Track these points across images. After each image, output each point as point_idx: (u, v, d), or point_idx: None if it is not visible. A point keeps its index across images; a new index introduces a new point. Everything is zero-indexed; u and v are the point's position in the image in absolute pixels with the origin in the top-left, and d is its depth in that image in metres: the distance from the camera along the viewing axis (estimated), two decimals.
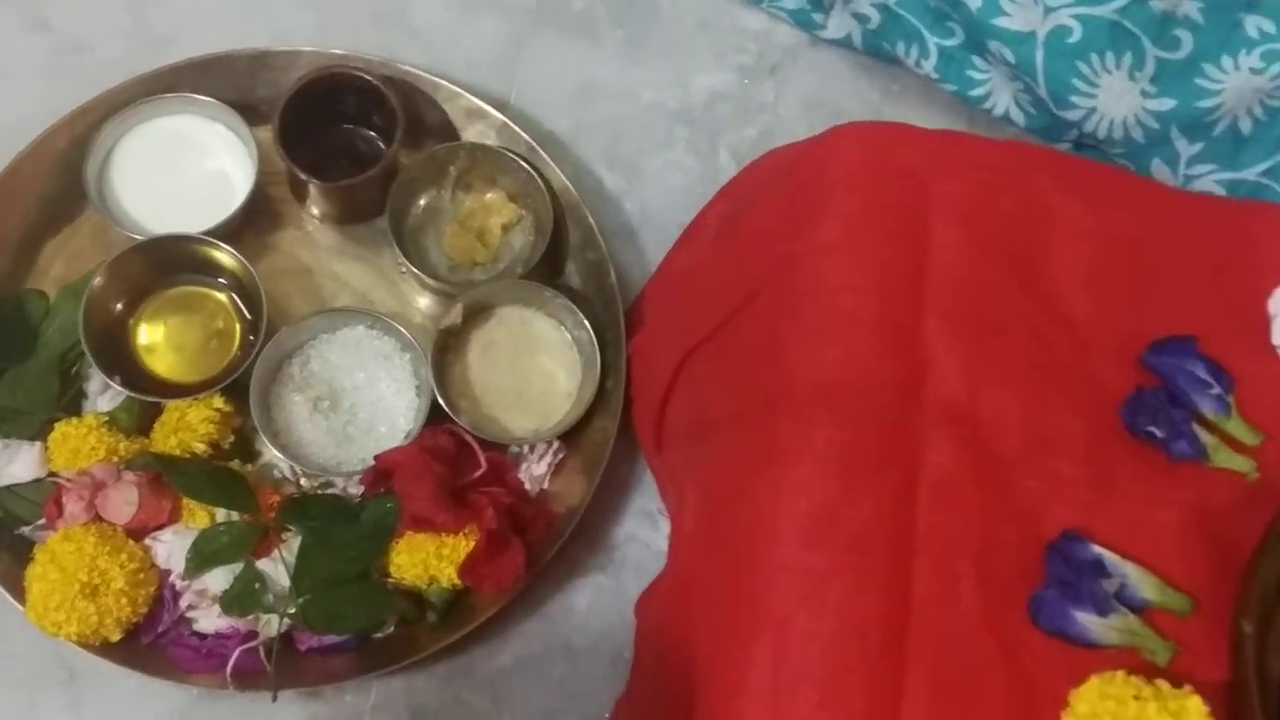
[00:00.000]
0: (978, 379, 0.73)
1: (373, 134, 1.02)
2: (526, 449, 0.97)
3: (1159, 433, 0.73)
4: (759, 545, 0.70)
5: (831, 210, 0.76)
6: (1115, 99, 1.00)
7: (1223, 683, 0.68)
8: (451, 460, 0.92)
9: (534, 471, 0.96)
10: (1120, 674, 0.67)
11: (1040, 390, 0.74)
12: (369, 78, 0.99)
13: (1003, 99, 1.07)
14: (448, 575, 0.88)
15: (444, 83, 1.03)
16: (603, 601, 0.97)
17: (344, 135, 1.03)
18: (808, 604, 0.67)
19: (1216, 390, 0.74)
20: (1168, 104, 1.00)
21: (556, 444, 0.97)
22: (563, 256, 1.03)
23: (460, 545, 0.88)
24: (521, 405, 0.99)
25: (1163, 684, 0.67)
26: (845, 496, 0.69)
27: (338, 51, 1.02)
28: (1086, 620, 0.68)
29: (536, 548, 0.93)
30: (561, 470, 0.98)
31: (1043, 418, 0.73)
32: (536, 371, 0.99)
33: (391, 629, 0.92)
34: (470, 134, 1.03)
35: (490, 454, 0.94)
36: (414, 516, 0.88)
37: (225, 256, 0.94)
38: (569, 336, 0.99)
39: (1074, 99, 1.01)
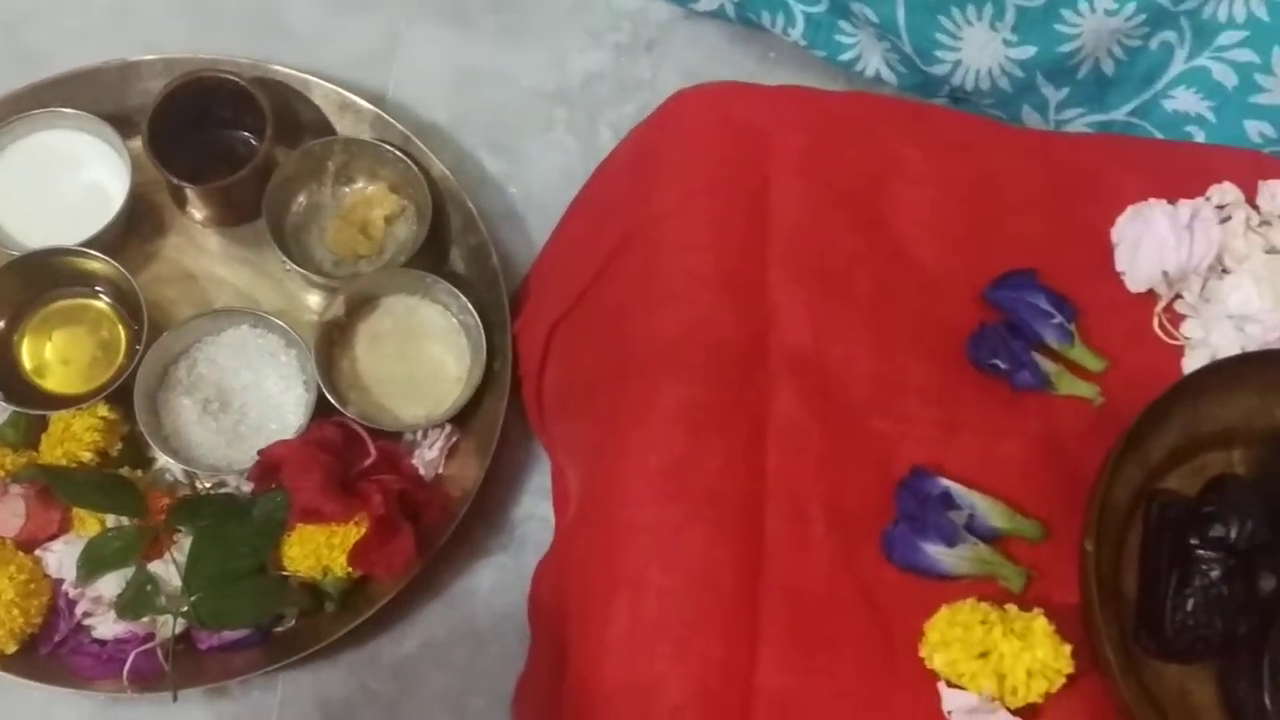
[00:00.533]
0: (824, 327, 0.74)
1: (248, 135, 1.03)
2: (420, 435, 0.98)
3: (1002, 365, 0.74)
4: (614, 506, 0.71)
5: (672, 174, 0.77)
6: (978, 49, 1.02)
7: (1077, 603, 0.69)
8: (340, 451, 0.93)
9: (426, 457, 0.97)
10: (969, 601, 0.68)
11: (887, 334, 0.75)
12: (237, 80, 0.99)
13: (873, 60, 1.09)
14: (340, 564, 0.89)
15: (317, 80, 1.04)
16: (505, 581, 0.98)
17: (221, 139, 1.03)
18: (659, 559, 0.68)
19: (1058, 320, 0.75)
20: (1029, 51, 1.01)
21: (448, 428, 0.98)
22: (446, 243, 1.04)
23: (351, 534, 0.89)
24: (412, 392, 0.99)
25: (1011, 608, 0.68)
26: (692, 451, 0.70)
27: (207, 56, 1.02)
28: (936, 552, 0.69)
29: (432, 531, 0.94)
30: (456, 453, 0.98)
31: (890, 361, 0.74)
32: (425, 358, 1.00)
33: (293, 622, 0.92)
34: (345, 129, 1.04)
35: (382, 442, 0.95)
36: (303, 508, 0.89)
37: (102, 266, 0.94)
38: (455, 321, 1.00)
39: (939, 53, 1.03)
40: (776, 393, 0.72)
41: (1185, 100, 1.03)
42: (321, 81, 1.04)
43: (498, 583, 0.98)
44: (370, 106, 1.04)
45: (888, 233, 0.77)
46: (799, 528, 0.70)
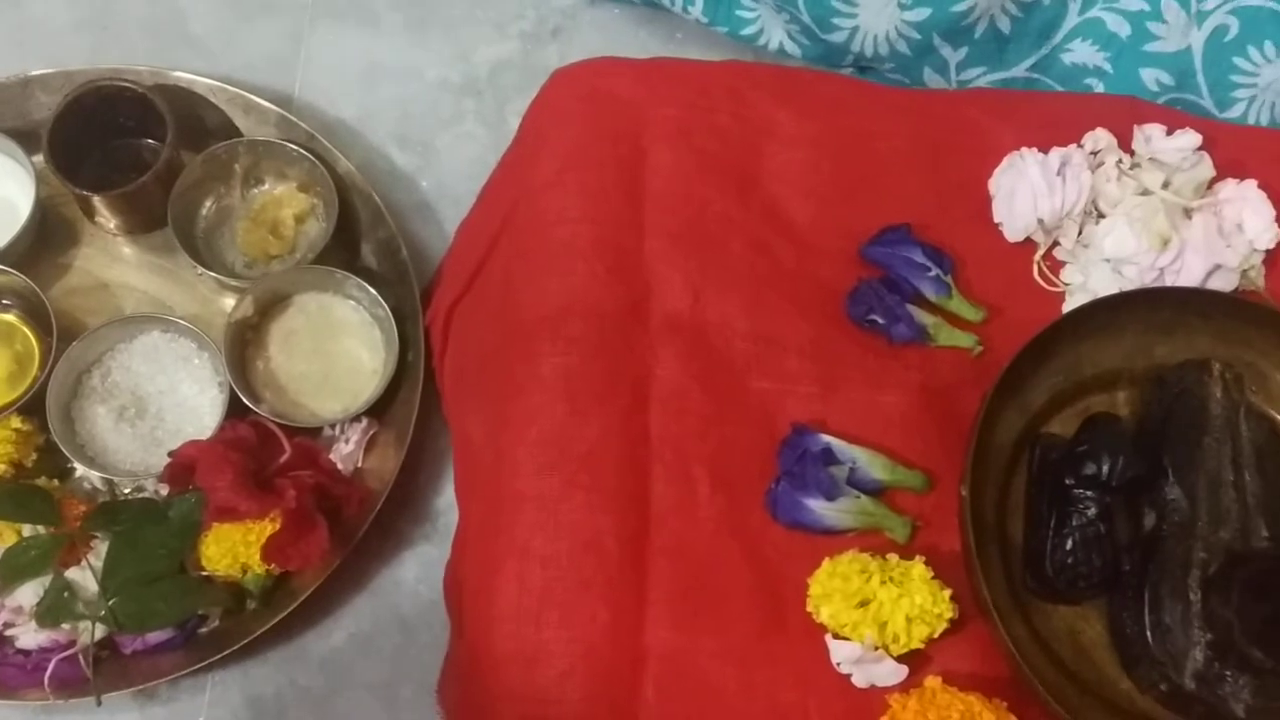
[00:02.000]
0: (701, 291, 0.75)
1: (154, 142, 1.03)
2: (338, 430, 0.98)
3: (879, 320, 0.75)
4: (500, 478, 0.72)
5: (548, 149, 0.78)
6: (874, 15, 1.02)
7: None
8: (254, 449, 0.93)
9: (344, 451, 0.97)
10: (850, 553, 0.69)
11: (764, 296, 0.76)
12: (136, 87, 1.00)
13: (775, 34, 1.09)
14: (258, 561, 0.89)
15: (220, 84, 1.04)
16: (430, 570, 0.98)
17: (128, 148, 1.04)
18: (542, 529, 0.69)
19: (935, 272, 0.75)
20: (924, 13, 1.01)
21: (365, 421, 0.98)
22: (356, 239, 1.04)
23: (266, 530, 0.89)
24: (328, 388, 1.00)
25: (892, 557, 0.69)
26: (572, 420, 0.71)
27: (107, 67, 1.03)
28: (818, 507, 0.70)
29: (353, 524, 0.94)
30: (375, 446, 0.99)
31: (769, 321, 0.75)
32: (340, 354, 1.01)
33: (216, 622, 0.93)
34: (251, 131, 1.05)
35: (299, 439, 0.95)
36: (218, 508, 0.89)
37: (9, 279, 0.95)
38: (368, 315, 1.01)
39: (836, 20, 1.03)
40: (657, 358, 0.73)
41: (1082, 53, 1.04)
42: (225, 85, 1.04)
43: (423, 572, 0.98)
44: (274, 107, 1.04)
45: (762, 196, 0.78)
46: (683, 489, 0.71)
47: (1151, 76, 1.03)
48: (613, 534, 0.69)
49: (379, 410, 0.99)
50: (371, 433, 0.99)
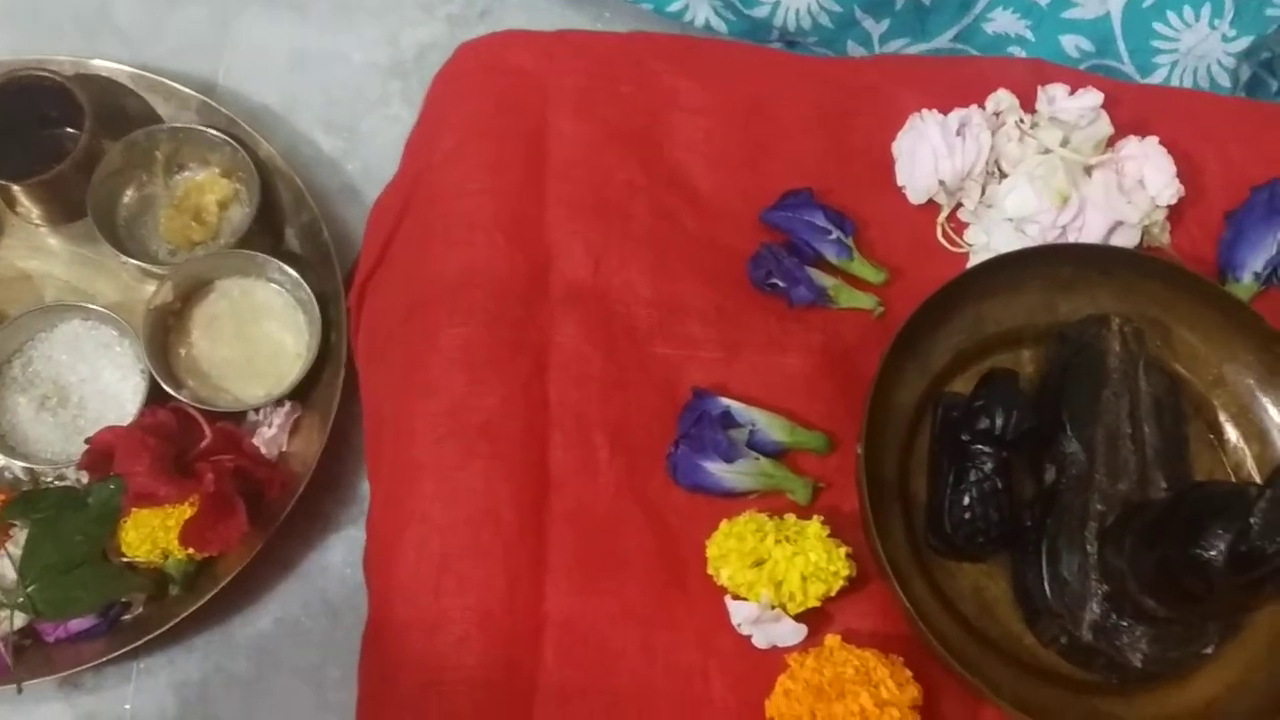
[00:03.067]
0: (603, 259, 0.75)
1: (75, 132, 1.02)
2: (262, 414, 0.98)
3: (780, 283, 0.74)
4: (401, 449, 0.72)
5: (448, 122, 0.77)
6: None
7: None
8: (174, 435, 0.93)
9: (267, 435, 0.97)
10: (747, 513, 0.68)
11: (667, 262, 0.75)
12: (56, 78, 0.99)
13: (701, 10, 1.09)
14: (178, 546, 0.89)
15: (141, 72, 1.04)
16: (357, 554, 0.95)
17: (50, 138, 1.03)
18: (440, 498, 0.69)
19: (835, 235, 0.75)
20: None
21: (289, 405, 0.98)
22: (280, 223, 1.04)
23: (186, 515, 0.89)
24: (252, 373, 0.99)
25: (790, 517, 0.68)
26: (471, 389, 0.71)
27: (30, 58, 1.02)
28: (717, 470, 0.70)
29: (275, 508, 0.94)
30: (300, 430, 0.98)
31: (671, 287, 0.75)
32: (263, 338, 1.00)
33: (140, 609, 0.92)
34: (173, 118, 1.04)
35: (221, 424, 0.95)
36: (137, 493, 0.89)
37: None
38: (291, 299, 1.00)
39: None
40: (558, 326, 0.73)
41: (1004, 21, 1.04)
42: (146, 73, 1.04)
43: (349, 555, 0.98)
44: (195, 94, 1.04)
45: (665, 163, 0.78)
46: (583, 455, 0.71)
47: (1072, 43, 1.03)
48: (511, 501, 0.69)
49: (303, 394, 0.98)
50: (296, 416, 0.98)
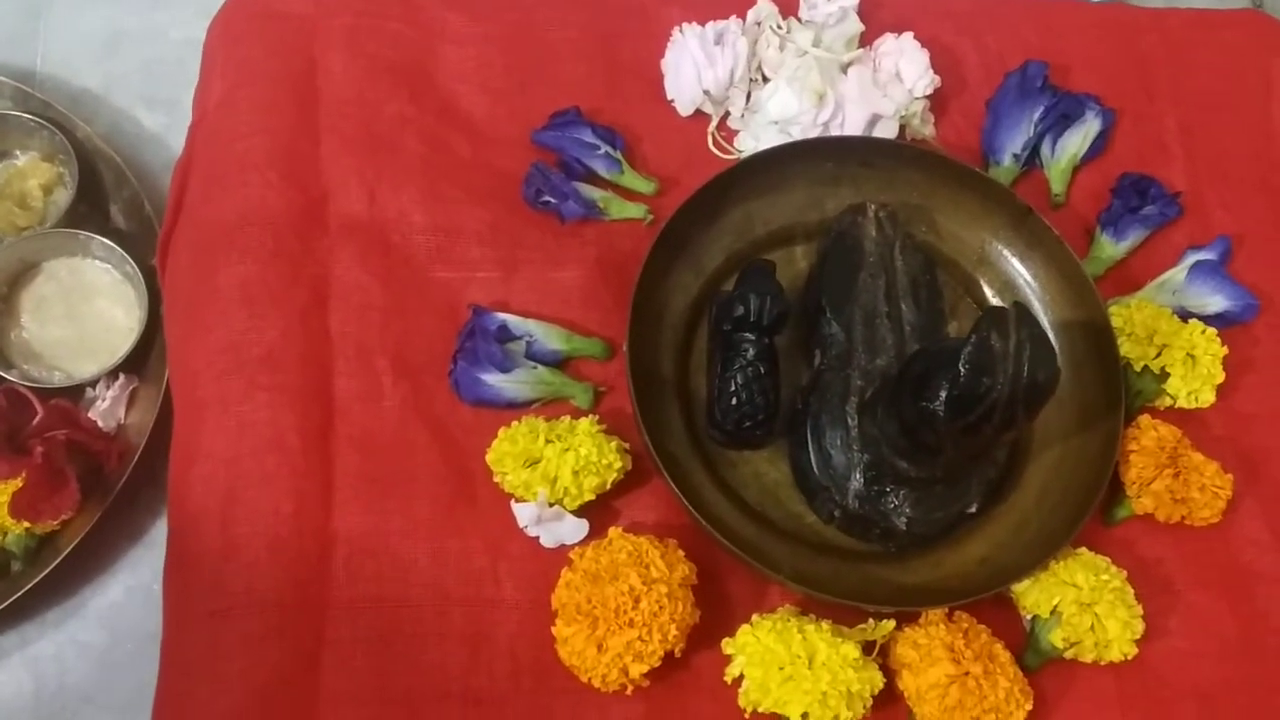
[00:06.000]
0: (376, 190, 0.77)
1: None
2: (97, 389, 0.99)
3: (551, 200, 0.77)
4: (187, 388, 0.73)
5: (219, 70, 0.79)
6: None
7: None
8: (4, 414, 0.94)
9: (102, 408, 0.98)
10: (523, 419, 0.70)
11: (441, 189, 0.77)
12: None
13: None
14: (12, 521, 0.90)
15: None
16: None
17: None
18: (225, 431, 0.70)
19: (604, 150, 0.77)
20: None
21: (123, 378, 0.99)
22: (104, 202, 1.05)
23: (15, 489, 0.90)
24: (85, 350, 1.00)
25: (564, 419, 0.71)
26: (251, 325, 0.72)
27: None
28: (494, 381, 0.72)
29: (115, 477, 0.95)
30: (137, 401, 0.99)
31: (446, 213, 0.77)
32: (94, 315, 1.01)
33: None
34: None
35: (56, 401, 0.96)
36: None
37: None
38: (119, 274, 1.01)
39: None
40: (336, 259, 0.75)
41: None
42: None
43: None
44: (9, 80, 1.04)
45: (437, 94, 0.80)
46: (367, 381, 0.72)
47: None
48: (295, 429, 0.70)
49: (138, 366, 0.99)
50: (132, 388, 0.99)
